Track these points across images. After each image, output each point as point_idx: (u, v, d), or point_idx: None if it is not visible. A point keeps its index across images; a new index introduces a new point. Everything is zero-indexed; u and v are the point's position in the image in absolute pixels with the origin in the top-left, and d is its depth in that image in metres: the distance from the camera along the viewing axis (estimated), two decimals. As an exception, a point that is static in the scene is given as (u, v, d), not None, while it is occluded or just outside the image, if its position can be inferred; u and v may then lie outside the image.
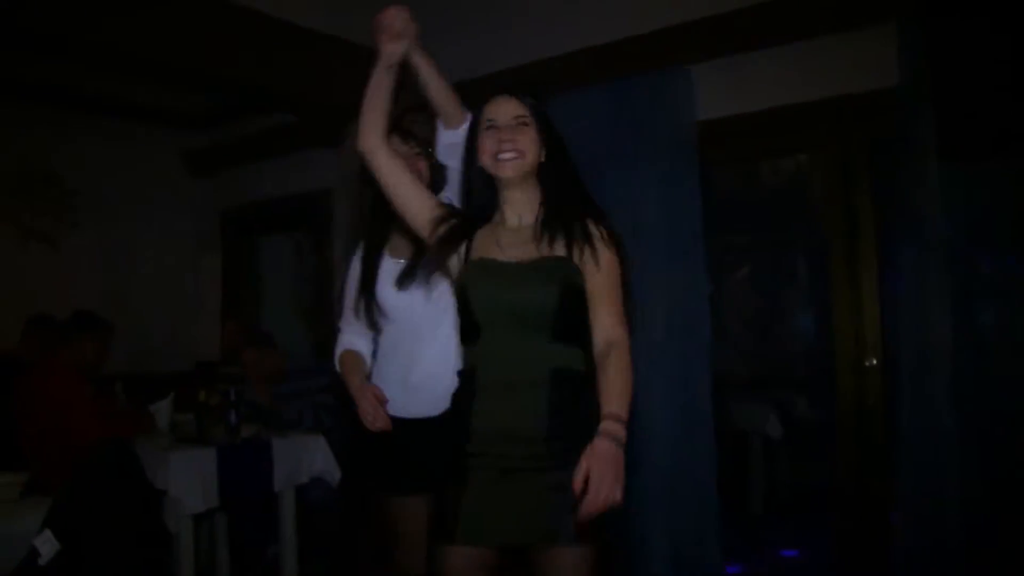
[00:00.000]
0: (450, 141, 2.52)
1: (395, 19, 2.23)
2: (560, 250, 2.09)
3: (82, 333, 3.96)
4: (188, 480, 3.66)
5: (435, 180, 2.61)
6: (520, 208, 2.18)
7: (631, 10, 4.26)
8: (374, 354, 2.69)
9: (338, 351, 2.66)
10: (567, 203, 2.16)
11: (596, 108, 4.28)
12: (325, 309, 5.84)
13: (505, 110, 2.15)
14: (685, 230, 4.02)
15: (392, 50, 2.25)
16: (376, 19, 2.24)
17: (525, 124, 2.13)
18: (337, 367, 2.62)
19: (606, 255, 2.08)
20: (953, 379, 3.35)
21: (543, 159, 2.16)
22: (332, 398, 4.81)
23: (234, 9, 4.55)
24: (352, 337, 2.67)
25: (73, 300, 4.43)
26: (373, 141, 2.23)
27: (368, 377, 2.61)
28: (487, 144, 2.13)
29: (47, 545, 2.52)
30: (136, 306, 6.11)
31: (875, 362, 3.77)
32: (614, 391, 1.99)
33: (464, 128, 2.36)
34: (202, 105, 6.39)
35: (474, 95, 4.27)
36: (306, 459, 4.19)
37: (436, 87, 2.48)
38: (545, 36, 4.56)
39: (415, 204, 2.24)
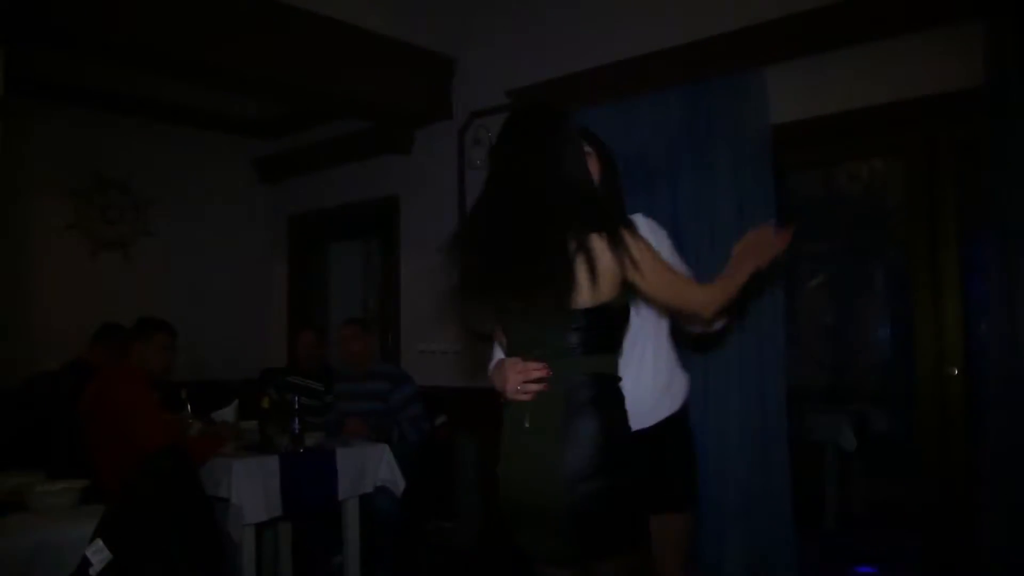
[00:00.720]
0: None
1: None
2: None
3: (145, 338, 3.96)
4: (251, 488, 3.65)
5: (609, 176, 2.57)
6: None
7: (704, 11, 4.19)
8: None
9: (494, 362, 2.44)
10: None
11: (670, 111, 4.21)
12: (391, 316, 5.84)
13: None
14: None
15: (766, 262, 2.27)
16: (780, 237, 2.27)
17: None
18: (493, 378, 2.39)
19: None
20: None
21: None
22: (420, 408, 4.77)
23: (306, 15, 4.59)
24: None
25: (143, 308, 4.46)
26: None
27: None
28: None
29: (99, 555, 2.50)
30: (205, 313, 6.17)
31: (956, 371, 3.61)
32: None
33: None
34: (272, 112, 6.47)
35: (554, 93, 4.20)
36: (370, 468, 4.17)
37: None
38: (619, 39, 4.51)
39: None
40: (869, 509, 6.01)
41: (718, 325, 2.54)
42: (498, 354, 2.39)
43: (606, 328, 2.10)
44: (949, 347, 3.63)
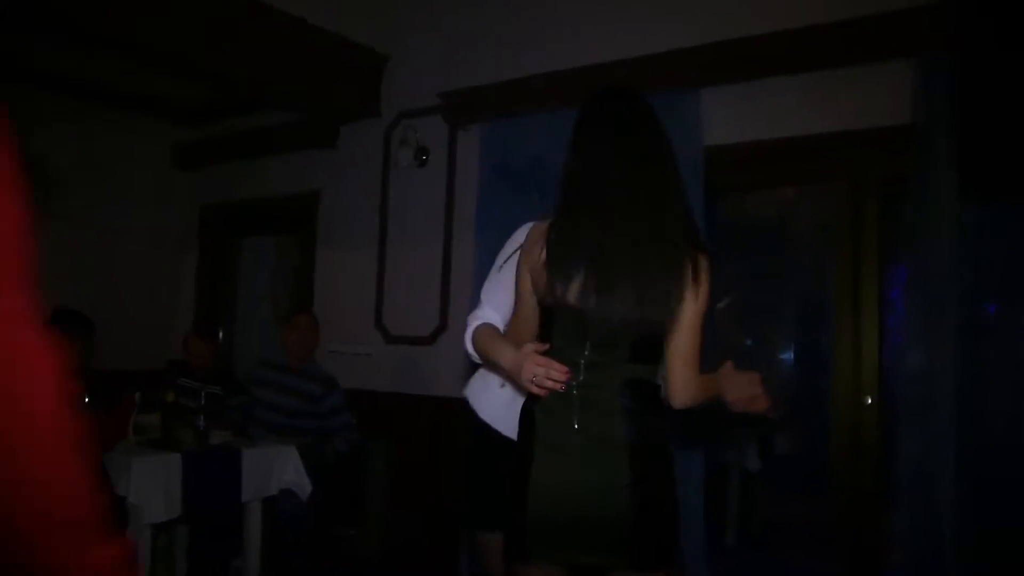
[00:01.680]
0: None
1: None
2: None
3: (64, 334, 3.74)
4: (151, 487, 3.49)
5: None
6: None
7: (643, 29, 4.20)
8: None
9: (471, 329, 2.35)
10: None
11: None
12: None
13: None
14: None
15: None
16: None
17: None
18: (471, 347, 2.35)
19: None
20: (954, 419, 3.27)
21: None
22: (350, 416, 4.61)
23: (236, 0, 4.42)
24: (488, 311, 2.44)
25: (49, 290, 4.22)
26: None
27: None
28: None
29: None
30: (111, 298, 5.89)
31: (871, 400, 3.69)
32: None
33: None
34: (195, 98, 6.21)
35: (488, 99, 4.13)
36: (277, 470, 4.02)
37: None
38: (555, 50, 4.49)
39: None
40: (772, 528, 6.11)
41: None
42: (487, 316, 2.35)
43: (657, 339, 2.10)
44: (866, 377, 3.70)
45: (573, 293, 2.03)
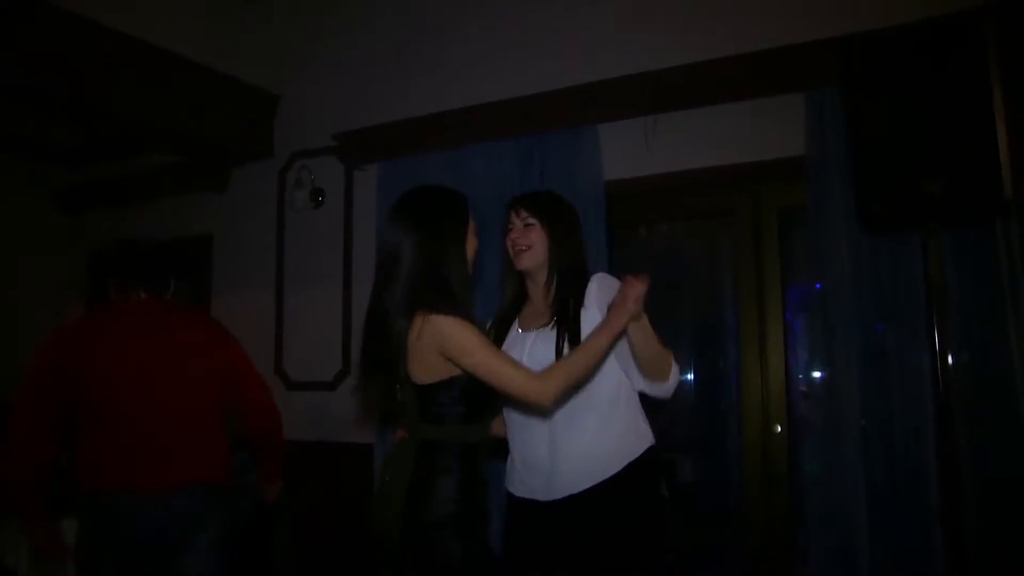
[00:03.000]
0: (654, 393, 2.64)
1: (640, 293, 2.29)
2: None
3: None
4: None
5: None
6: None
7: (539, 65, 4.22)
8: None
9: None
10: None
11: (504, 162, 4.20)
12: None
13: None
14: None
15: (624, 323, 2.30)
16: (628, 291, 2.28)
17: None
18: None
19: None
20: (860, 438, 3.35)
21: None
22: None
23: (117, 36, 4.24)
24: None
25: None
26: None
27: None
28: None
29: None
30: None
31: (780, 429, 3.74)
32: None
33: (670, 385, 2.57)
34: (75, 139, 5.94)
35: (384, 138, 4.07)
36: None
37: (651, 353, 2.48)
38: (452, 88, 4.47)
39: None
40: (679, 558, 6.10)
41: (668, 388, 2.60)
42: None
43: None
44: (774, 406, 3.76)
45: None
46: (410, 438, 2.35)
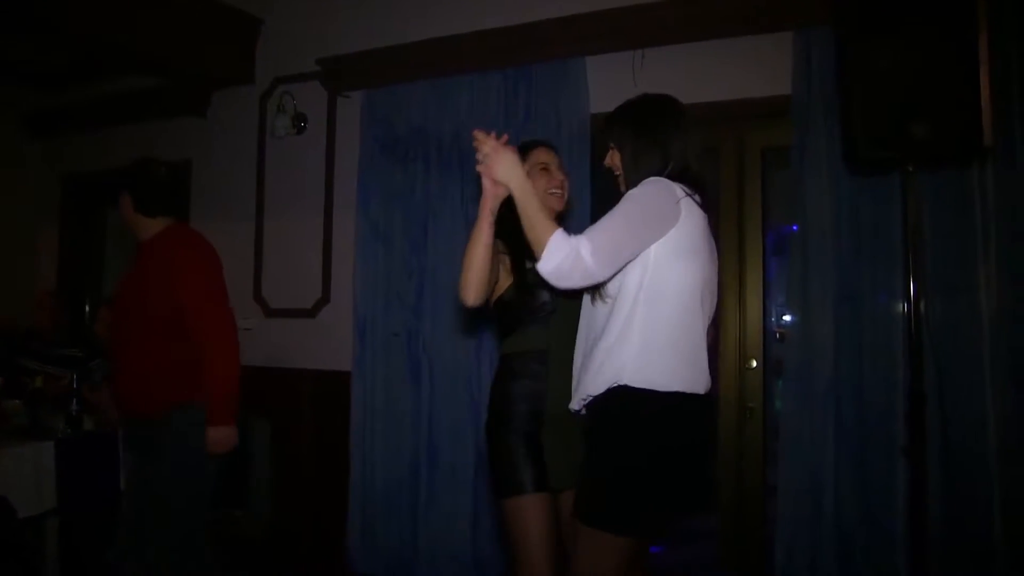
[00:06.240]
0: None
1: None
2: None
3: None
4: (21, 480, 3.28)
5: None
6: None
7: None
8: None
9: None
10: None
11: (489, 93, 4.18)
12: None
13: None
14: (573, 225, 3.91)
15: (496, 192, 2.31)
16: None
17: None
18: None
19: None
20: (831, 382, 3.41)
21: None
22: None
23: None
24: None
25: None
26: (473, 300, 2.43)
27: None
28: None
29: None
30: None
31: (755, 364, 3.81)
32: None
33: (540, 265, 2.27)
34: (51, 61, 5.80)
35: (368, 65, 4.03)
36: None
37: (526, 225, 2.27)
38: (440, 16, 4.41)
39: None
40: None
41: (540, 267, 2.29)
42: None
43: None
44: (751, 343, 3.82)
45: None
46: None
